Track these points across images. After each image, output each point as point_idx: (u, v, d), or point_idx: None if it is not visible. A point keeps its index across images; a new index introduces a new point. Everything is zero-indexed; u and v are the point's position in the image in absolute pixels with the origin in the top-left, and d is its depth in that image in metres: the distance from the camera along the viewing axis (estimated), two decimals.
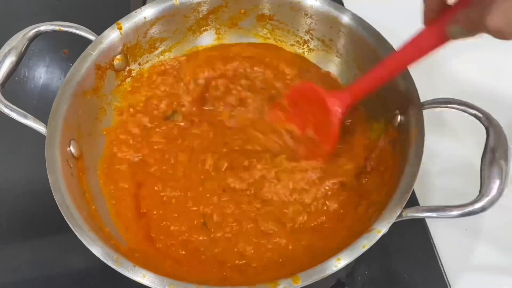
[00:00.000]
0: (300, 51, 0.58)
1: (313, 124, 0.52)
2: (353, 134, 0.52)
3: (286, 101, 0.54)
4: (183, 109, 0.55)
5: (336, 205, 0.48)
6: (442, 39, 0.39)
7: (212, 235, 0.47)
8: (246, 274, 0.45)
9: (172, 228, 0.48)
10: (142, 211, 0.49)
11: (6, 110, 0.46)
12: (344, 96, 0.48)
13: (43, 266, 0.53)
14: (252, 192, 0.49)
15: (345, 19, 0.52)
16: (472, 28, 0.36)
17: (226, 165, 0.51)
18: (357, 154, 0.50)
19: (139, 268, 0.38)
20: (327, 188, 0.48)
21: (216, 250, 0.47)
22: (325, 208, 0.48)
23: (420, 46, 0.41)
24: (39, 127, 0.45)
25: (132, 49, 0.54)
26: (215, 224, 0.48)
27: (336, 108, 0.48)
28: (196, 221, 0.48)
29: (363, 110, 0.53)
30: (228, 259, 0.46)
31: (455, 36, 0.38)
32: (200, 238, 0.47)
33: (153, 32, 0.55)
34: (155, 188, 0.50)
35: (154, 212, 0.49)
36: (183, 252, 0.46)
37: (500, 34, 0.33)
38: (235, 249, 0.47)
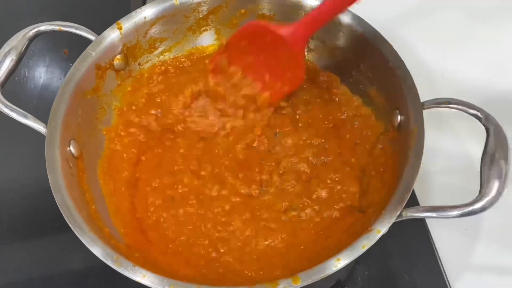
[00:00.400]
0: None
1: (269, 66, 0.51)
2: (355, 150, 0.52)
3: (226, 53, 0.52)
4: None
5: (338, 214, 0.48)
6: None
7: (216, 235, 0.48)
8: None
9: (169, 227, 0.48)
10: (141, 208, 0.50)
11: (6, 110, 0.46)
12: (296, 26, 0.48)
13: (43, 266, 0.53)
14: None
15: (345, 19, 0.52)
16: None
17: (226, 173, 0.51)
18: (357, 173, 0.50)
19: (139, 268, 0.38)
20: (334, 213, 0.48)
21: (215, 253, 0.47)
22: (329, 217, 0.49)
23: None
24: (39, 127, 0.45)
25: (132, 49, 0.54)
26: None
27: (292, 35, 0.48)
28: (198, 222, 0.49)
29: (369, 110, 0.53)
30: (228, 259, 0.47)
31: None
32: (201, 241, 0.48)
33: (153, 32, 0.55)
34: (153, 185, 0.51)
35: (152, 209, 0.50)
36: (180, 249, 0.47)
37: None
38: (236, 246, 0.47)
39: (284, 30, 0.48)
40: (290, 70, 0.51)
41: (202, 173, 0.51)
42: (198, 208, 0.49)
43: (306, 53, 0.58)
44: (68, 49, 0.68)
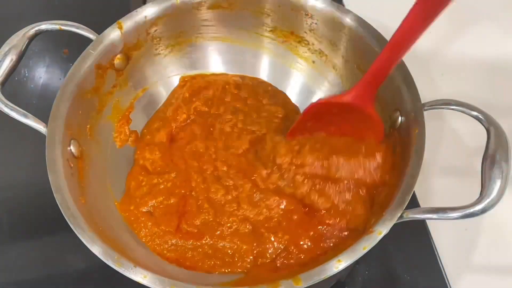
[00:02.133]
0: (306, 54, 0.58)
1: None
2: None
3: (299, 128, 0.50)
4: None
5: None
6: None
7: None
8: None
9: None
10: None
11: (6, 110, 0.45)
12: (358, 88, 0.46)
13: (43, 266, 0.53)
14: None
15: (347, 20, 0.51)
16: None
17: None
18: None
19: (140, 269, 0.38)
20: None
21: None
22: None
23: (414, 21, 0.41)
24: (39, 126, 0.45)
25: (132, 48, 0.54)
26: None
27: (361, 101, 0.46)
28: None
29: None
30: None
31: None
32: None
33: (154, 32, 0.54)
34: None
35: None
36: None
37: None
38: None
39: (348, 97, 0.46)
40: (369, 130, 0.48)
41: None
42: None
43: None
44: (68, 49, 0.68)
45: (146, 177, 0.52)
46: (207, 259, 0.47)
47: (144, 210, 0.50)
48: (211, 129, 0.55)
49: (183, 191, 0.51)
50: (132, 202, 0.50)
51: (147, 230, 0.48)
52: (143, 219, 0.49)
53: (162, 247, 0.48)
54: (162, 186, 0.51)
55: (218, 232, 0.48)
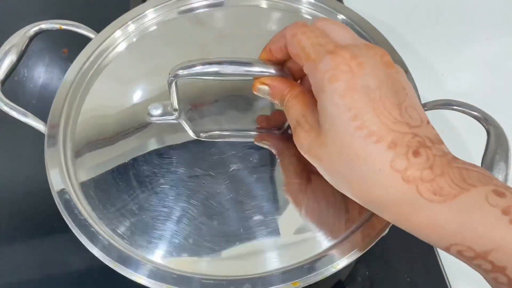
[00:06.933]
0: None
1: None
2: None
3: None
4: None
5: None
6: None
7: None
8: None
9: None
10: None
11: (6, 108, 0.46)
12: None
13: (43, 266, 0.53)
14: None
15: (343, 17, 0.51)
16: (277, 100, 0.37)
17: None
18: None
19: (139, 269, 0.38)
20: None
21: None
22: None
23: None
24: (39, 125, 0.45)
25: None
26: None
27: None
28: None
29: None
30: None
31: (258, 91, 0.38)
32: None
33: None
34: None
35: None
36: None
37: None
38: None
39: None
40: None
41: None
42: None
43: None
44: (68, 48, 0.68)
45: None
46: None
47: None
48: None
49: None
50: None
51: None
52: None
53: None
54: None
55: None
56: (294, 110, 0.34)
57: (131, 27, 0.52)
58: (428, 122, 0.31)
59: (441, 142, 0.31)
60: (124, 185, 0.42)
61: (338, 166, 0.30)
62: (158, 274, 0.38)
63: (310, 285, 0.37)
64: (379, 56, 0.30)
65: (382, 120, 0.28)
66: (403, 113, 0.29)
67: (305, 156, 0.34)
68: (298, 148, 0.34)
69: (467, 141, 0.58)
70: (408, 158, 0.28)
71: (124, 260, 0.38)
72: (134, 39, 0.52)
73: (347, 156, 0.29)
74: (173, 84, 0.41)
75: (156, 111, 0.45)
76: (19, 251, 0.54)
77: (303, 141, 0.33)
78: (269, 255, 0.38)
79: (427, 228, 0.29)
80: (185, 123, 0.44)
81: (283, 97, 0.36)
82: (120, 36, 0.51)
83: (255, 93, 0.38)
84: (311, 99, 0.33)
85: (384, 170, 0.28)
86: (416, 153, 0.28)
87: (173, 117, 0.44)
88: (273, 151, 0.43)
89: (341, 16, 0.52)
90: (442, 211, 0.27)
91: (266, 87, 0.37)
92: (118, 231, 0.40)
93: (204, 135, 0.44)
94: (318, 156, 0.31)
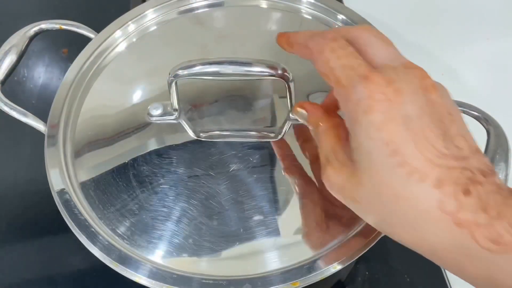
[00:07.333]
0: None
1: None
2: None
3: None
4: None
5: None
6: None
7: None
8: None
9: None
10: None
11: (6, 108, 0.46)
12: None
13: (43, 266, 0.53)
14: None
15: (342, 17, 0.51)
16: (312, 127, 0.35)
17: None
18: None
19: (139, 269, 0.38)
20: None
21: None
22: None
23: None
24: (39, 125, 0.45)
25: None
26: None
27: None
28: None
29: None
30: None
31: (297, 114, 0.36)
32: None
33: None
34: None
35: None
36: None
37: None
38: None
39: None
40: None
41: None
42: None
43: None
44: (68, 48, 0.68)
45: None
46: None
47: None
48: None
49: None
50: None
51: None
52: None
53: None
54: None
55: None
56: (324, 144, 0.32)
57: (131, 27, 0.52)
58: (477, 150, 0.27)
59: (493, 172, 0.27)
60: (124, 185, 0.42)
61: (378, 208, 0.27)
62: (158, 274, 0.38)
63: (310, 285, 0.37)
64: (418, 79, 0.28)
65: (425, 154, 0.25)
66: (448, 144, 0.26)
67: (337, 197, 0.31)
68: (328, 188, 0.31)
69: None
70: (458, 198, 0.24)
71: (124, 260, 0.38)
72: (134, 39, 0.52)
73: (387, 197, 0.26)
74: (173, 84, 0.41)
75: (156, 111, 0.45)
76: (19, 251, 0.54)
77: (334, 180, 0.30)
78: (269, 255, 0.38)
79: (483, 279, 0.25)
80: (185, 123, 0.44)
81: (317, 126, 0.34)
82: (120, 36, 0.52)
83: (294, 115, 0.37)
84: (344, 133, 0.30)
85: (431, 212, 0.25)
86: (466, 192, 0.25)
87: (173, 117, 0.44)
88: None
89: (341, 16, 0.52)
90: (500, 263, 0.24)
91: (304, 112, 0.35)
92: (118, 231, 0.40)
93: (204, 135, 0.44)
94: (354, 198, 0.29)
